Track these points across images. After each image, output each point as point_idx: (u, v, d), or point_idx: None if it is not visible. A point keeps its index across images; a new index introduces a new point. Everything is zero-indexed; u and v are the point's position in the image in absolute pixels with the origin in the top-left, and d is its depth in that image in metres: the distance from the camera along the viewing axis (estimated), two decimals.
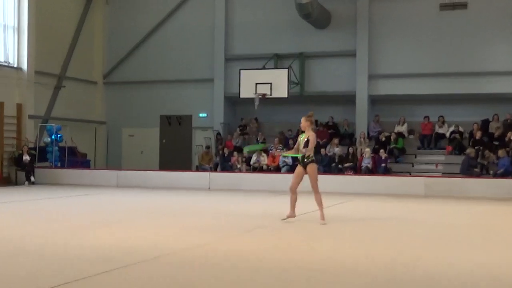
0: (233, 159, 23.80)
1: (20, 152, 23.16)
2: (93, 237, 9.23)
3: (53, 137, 24.29)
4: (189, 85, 27.81)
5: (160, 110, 28.20)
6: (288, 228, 10.75)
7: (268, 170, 22.94)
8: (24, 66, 24.48)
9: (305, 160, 10.98)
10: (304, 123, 11.06)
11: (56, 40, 26.88)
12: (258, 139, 25.31)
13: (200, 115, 27.80)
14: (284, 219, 11.43)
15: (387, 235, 10.05)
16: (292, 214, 11.35)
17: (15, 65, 24.43)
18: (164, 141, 28.31)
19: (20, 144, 23.97)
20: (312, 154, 11.00)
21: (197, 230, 10.25)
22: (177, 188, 21.31)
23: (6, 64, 24.24)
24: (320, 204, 11.15)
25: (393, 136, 23.65)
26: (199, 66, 27.59)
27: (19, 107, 24.36)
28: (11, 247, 8.25)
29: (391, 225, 11.56)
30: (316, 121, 25.52)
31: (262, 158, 23.47)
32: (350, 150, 22.76)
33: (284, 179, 20.76)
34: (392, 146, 23.45)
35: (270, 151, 23.70)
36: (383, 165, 21.97)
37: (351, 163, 22.44)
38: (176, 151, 27.82)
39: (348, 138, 25.01)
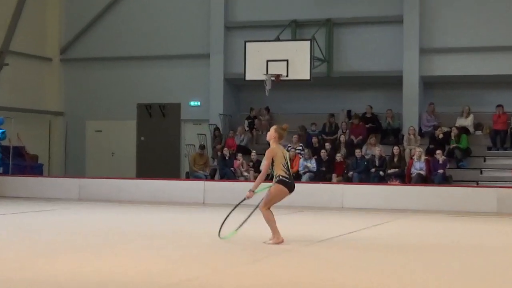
0: (237, 163, 23.73)
1: None
2: (48, 270, 9.18)
3: None
4: (176, 63, 27.78)
5: (137, 97, 28.20)
6: (307, 254, 10.68)
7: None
8: None
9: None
10: (272, 133, 11.82)
11: None
12: None
13: (192, 103, 27.79)
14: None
15: (445, 268, 9.96)
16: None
17: None
18: (143, 138, 28.30)
19: None
20: (280, 173, 11.65)
21: (186, 260, 10.19)
22: (160, 202, 21.25)
23: None
24: (268, 224, 11.84)
25: (454, 132, 23.58)
26: (189, 37, 27.57)
27: None
28: None
29: (452, 254, 11.47)
30: (349, 112, 25.57)
31: None
32: (395, 151, 22.67)
33: (305, 190, 20.78)
34: (452, 145, 23.37)
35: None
36: (440, 171, 21.89)
37: (396, 169, 22.35)
38: (159, 152, 27.79)
39: (392, 135, 24.95)
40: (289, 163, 11.79)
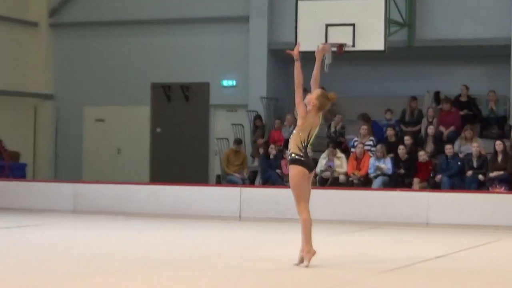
0: (285, 163, 23.73)
1: None
2: None
3: None
4: (204, 29, 27.90)
5: (151, 75, 28.35)
6: (379, 287, 10.66)
7: (350, 183, 22.88)
8: None
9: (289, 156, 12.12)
10: (311, 99, 12.20)
11: None
12: (334, 127, 25.16)
13: (225, 83, 27.89)
14: (303, 265, 11.90)
15: None
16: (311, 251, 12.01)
17: None
18: (159, 130, 28.41)
19: None
20: (293, 149, 11.99)
21: None
22: (182, 216, 21.35)
23: None
24: (304, 230, 11.95)
25: None
26: None
27: None
28: None
29: None
30: (437, 94, 25.45)
31: (337, 163, 23.38)
32: (499, 147, 22.52)
33: (378, 200, 20.84)
34: None
35: (353, 151, 23.67)
36: None
37: (502, 172, 22.20)
38: (180, 149, 27.89)
39: (496, 126, 24.78)
40: (309, 142, 12.02)
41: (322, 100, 12.11)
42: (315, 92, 12.26)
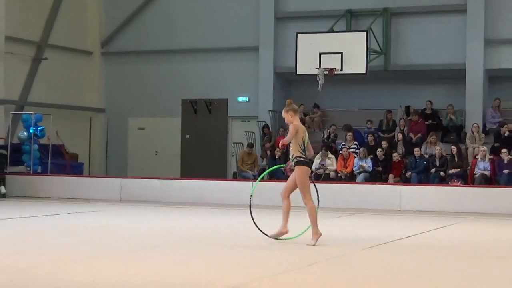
0: (288, 163, 23.70)
1: None
2: (87, 274, 9.28)
3: (31, 130, 24.61)
4: (223, 56, 27.91)
5: (182, 92, 28.34)
6: (362, 260, 10.66)
7: (338, 178, 22.87)
8: None
9: (293, 160, 12.10)
10: (285, 115, 12.21)
11: None
12: (328, 133, 25.10)
13: (240, 99, 27.89)
14: (278, 238, 12.19)
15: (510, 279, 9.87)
16: (285, 230, 12.19)
17: None
18: (188, 136, 28.40)
19: None
20: (296, 153, 12.02)
21: (237, 264, 10.28)
22: (205, 204, 21.34)
23: None
24: (311, 216, 12.06)
25: None
26: (237, 29, 27.69)
27: None
28: None
29: None
30: (408, 108, 25.44)
31: (329, 162, 23.39)
32: (453, 150, 22.51)
33: (360, 191, 20.84)
34: None
35: (341, 152, 23.67)
36: (505, 171, 21.66)
37: (459, 169, 22.18)
38: (205, 151, 27.87)
39: (454, 133, 24.77)
40: (305, 144, 12.05)
41: (290, 108, 12.16)
42: (283, 113, 12.29)
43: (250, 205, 12.59)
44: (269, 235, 12.29)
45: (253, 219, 12.42)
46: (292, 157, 12.09)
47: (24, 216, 17.31)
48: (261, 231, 12.39)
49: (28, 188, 23.46)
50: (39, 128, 24.83)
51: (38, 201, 21.64)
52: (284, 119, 12.33)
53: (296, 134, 11.93)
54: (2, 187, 22.92)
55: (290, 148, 12.10)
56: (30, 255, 10.92)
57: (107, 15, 29.55)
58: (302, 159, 11.98)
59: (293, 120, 12.07)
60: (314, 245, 11.87)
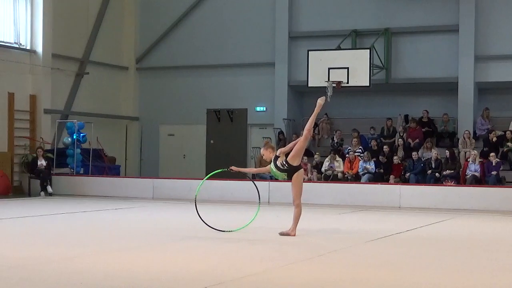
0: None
1: (34, 155, 23.62)
2: (123, 264, 9.31)
3: (74, 136, 24.71)
4: (243, 71, 27.92)
5: (207, 102, 28.40)
6: (367, 251, 10.64)
7: (345, 179, 22.81)
8: (39, 48, 25.02)
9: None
10: (264, 152, 12.74)
11: (78, 16, 27.39)
12: (336, 139, 25.12)
13: (258, 109, 27.88)
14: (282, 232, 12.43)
15: (497, 267, 9.82)
16: (293, 233, 12.36)
17: (28, 47, 24.98)
18: (212, 141, 28.46)
19: (34, 145, 24.48)
20: (297, 163, 12.33)
21: (254, 255, 10.30)
22: (228, 201, 21.37)
23: (17, 46, 24.79)
24: (296, 216, 12.32)
25: (508, 136, 23.20)
26: (256, 47, 27.69)
27: (33, 99, 24.91)
28: (16, 278, 8.40)
29: (506, 254, 11.29)
30: (407, 116, 25.38)
31: (336, 164, 23.36)
32: (447, 154, 22.43)
33: (365, 190, 20.80)
34: (506, 148, 23.02)
35: (347, 156, 23.63)
36: (494, 173, 21.55)
37: (452, 171, 22.11)
38: (227, 154, 27.91)
39: (448, 138, 24.73)
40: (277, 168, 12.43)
41: (267, 147, 12.74)
42: (263, 150, 12.81)
43: (195, 201, 13.18)
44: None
45: (198, 214, 12.96)
46: (295, 164, 12.22)
47: (69, 211, 17.45)
48: (207, 224, 12.87)
49: (71, 188, 23.59)
50: (81, 134, 24.95)
51: (80, 199, 21.74)
52: (263, 155, 12.81)
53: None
54: (49, 186, 23.01)
55: (292, 159, 12.20)
56: (74, 246, 10.97)
57: (141, 35, 29.63)
58: (295, 165, 12.22)
59: (271, 156, 12.48)
60: (280, 234, 12.21)
